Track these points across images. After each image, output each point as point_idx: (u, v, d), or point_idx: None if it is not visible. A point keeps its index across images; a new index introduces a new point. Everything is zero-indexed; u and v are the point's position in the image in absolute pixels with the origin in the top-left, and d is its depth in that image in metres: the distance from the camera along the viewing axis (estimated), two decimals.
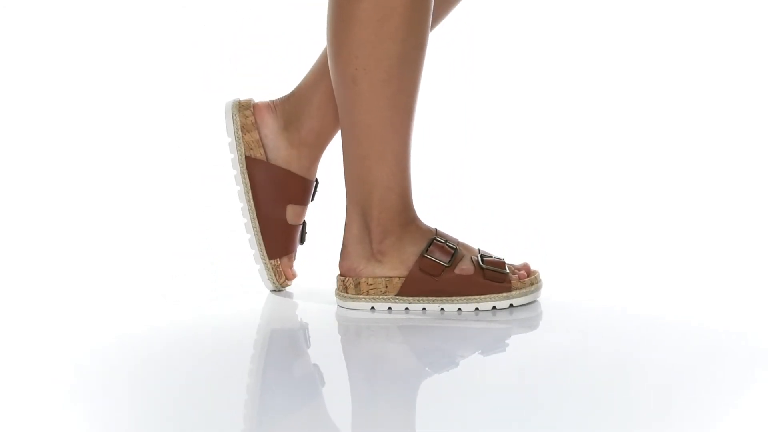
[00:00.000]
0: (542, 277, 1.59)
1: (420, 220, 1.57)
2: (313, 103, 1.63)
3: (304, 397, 1.25)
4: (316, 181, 1.67)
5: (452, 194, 2.45)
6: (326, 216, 1.86)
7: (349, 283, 1.55)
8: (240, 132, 1.64)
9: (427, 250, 1.54)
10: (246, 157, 1.63)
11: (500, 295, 1.54)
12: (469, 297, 1.53)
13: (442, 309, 1.54)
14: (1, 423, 1.18)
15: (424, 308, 1.54)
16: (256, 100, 1.66)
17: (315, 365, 1.38)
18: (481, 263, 1.54)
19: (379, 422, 1.19)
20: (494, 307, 1.54)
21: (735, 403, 1.22)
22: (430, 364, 1.38)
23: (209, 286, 1.74)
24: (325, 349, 1.45)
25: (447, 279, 1.53)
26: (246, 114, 1.64)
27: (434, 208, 1.79)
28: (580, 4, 2.99)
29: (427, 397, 1.26)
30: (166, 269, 1.85)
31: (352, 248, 1.56)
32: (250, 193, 1.63)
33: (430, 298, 1.54)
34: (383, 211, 1.54)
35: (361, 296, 1.55)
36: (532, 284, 1.56)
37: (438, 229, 1.58)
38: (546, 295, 1.58)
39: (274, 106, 1.65)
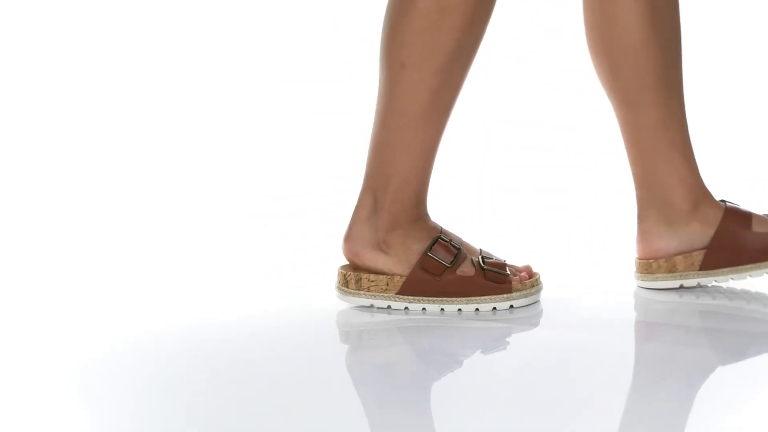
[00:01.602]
0: (543, 278, 1.58)
1: (428, 217, 1.57)
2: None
3: (308, 402, 1.25)
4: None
5: (453, 195, 2.44)
6: (327, 217, 1.86)
7: (350, 278, 1.55)
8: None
9: (431, 249, 1.54)
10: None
11: (500, 296, 1.53)
12: (470, 298, 1.53)
13: (442, 309, 1.53)
14: (22, 425, 1.18)
15: (423, 308, 1.54)
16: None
17: (318, 368, 1.38)
18: (482, 264, 1.54)
19: (382, 423, 1.19)
20: (494, 308, 1.53)
21: (735, 401, 1.22)
22: (433, 364, 1.38)
23: (207, 288, 1.74)
24: (327, 351, 1.44)
25: (448, 280, 1.53)
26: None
27: (436, 208, 1.79)
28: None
29: (430, 397, 1.26)
30: (163, 271, 1.85)
31: (358, 231, 1.55)
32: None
33: (431, 298, 1.53)
34: (396, 203, 1.53)
35: (362, 292, 1.55)
36: (532, 286, 1.55)
37: (443, 227, 1.57)
38: (546, 295, 1.58)
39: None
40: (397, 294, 1.54)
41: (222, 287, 1.72)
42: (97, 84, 2.89)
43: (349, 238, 1.56)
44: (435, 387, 1.30)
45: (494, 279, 1.53)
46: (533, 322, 1.52)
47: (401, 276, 1.53)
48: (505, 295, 1.53)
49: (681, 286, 1.60)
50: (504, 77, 2.93)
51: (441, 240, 1.54)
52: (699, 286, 1.61)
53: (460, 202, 2.37)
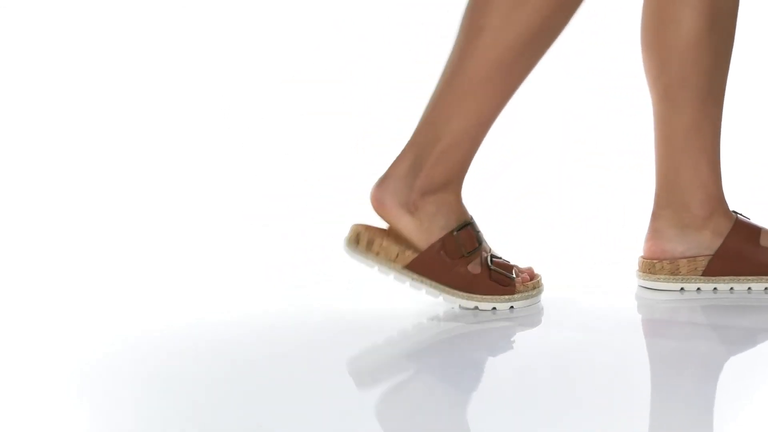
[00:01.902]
0: (544, 278, 1.58)
1: (461, 198, 1.54)
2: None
3: (308, 402, 1.24)
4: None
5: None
6: (327, 217, 1.86)
7: (362, 238, 1.51)
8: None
9: (458, 230, 1.52)
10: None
11: (502, 297, 1.53)
12: (471, 295, 1.52)
13: (442, 298, 1.52)
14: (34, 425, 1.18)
15: (425, 291, 1.52)
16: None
17: (318, 368, 1.37)
18: (489, 264, 1.53)
19: (383, 423, 1.19)
20: (494, 308, 1.53)
21: (738, 400, 1.22)
22: (433, 363, 1.37)
23: (207, 288, 1.74)
24: (327, 351, 1.44)
25: (456, 272, 1.52)
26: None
27: None
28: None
29: (431, 396, 1.25)
30: (164, 271, 1.85)
31: (392, 184, 1.51)
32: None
33: (434, 283, 1.52)
34: (437, 166, 1.51)
35: (370, 255, 1.52)
36: (534, 288, 1.55)
37: (474, 218, 1.55)
38: (546, 295, 1.58)
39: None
40: (403, 267, 1.53)
41: (222, 287, 1.72)
42: (98, 84, 2.89)
43: (380, 187, 1.52)
44: (435, 387, 1.30)
45: (499, 280, 1.53)
46: (534, 321, 1.52)
47: (413, 252, 1.52)
48: (506, 297, 1.53)
49: (682, 289, 1.61)
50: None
51: (470, 228, 1.52)
52: (699, 290, 1.61)
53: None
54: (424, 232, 1.51)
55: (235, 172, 2.55)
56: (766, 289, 1.60)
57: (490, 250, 1.56)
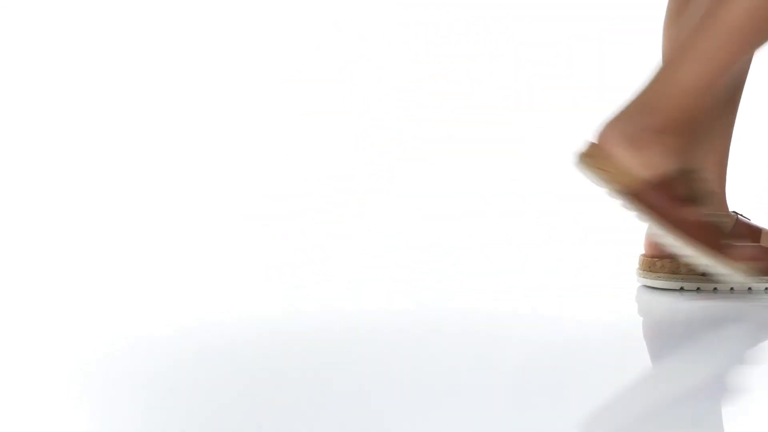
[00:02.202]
0: (542, 279, 1.58)
1: (688, 148, 1.51)
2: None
3: (308, 402, 1.25)
4: None
5: (449, 193, 2.44)
6: (327, 217, 1.85)
7: (597, 156, 1.50)
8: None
9: (676, 177, 1.49)
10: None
11: (709, 249, 1.50)
12: (677, 233, 1.49)
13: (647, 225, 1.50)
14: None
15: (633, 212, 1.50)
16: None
17: (317, 369, 1.37)
18: (709, 220, 1.50)
19: (381, 423, 1.19)
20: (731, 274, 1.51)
21: (738, 401, 1.22)
22: (431, 364, 1.38)
23: (208, 288, 1.74)
24: (327, 351, 1.44)
25: (671, 210, 1.49)
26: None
27: (432, 202, 1.78)
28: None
29: (431, 397, 1.26)
30: (163, 271, 1.85)
31: (621, 122, 1.50)
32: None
33: (634, 207, 1.48)
34: (667, 106, 1.49)
35: (596, 170, 1.49)
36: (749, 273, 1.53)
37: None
38: (546, 295, 1.58)
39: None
40: (620, 190, 1.49)
41: (222, 287, 1.72)
42: (98, 85, 2.89)
43: (609, 124, 1.49)
44: (433, 387, 1.30)
45: (711, 231, 1.50)
46: (531, 320, 1.52)
47: (635, 177, 1.48)
48: (730, 260, 1.50)
49: (682, 289, 1.61)
50: (521, 74, 2.93)
51: (689, 177, 1.51)
52: (699, 290, 1.61)
53: (456, 199, 2.37)
54: (643, 167, 1.48)
55: (235, 172, 2.55)
56: (766, 289, 1.60)
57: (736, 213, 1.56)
